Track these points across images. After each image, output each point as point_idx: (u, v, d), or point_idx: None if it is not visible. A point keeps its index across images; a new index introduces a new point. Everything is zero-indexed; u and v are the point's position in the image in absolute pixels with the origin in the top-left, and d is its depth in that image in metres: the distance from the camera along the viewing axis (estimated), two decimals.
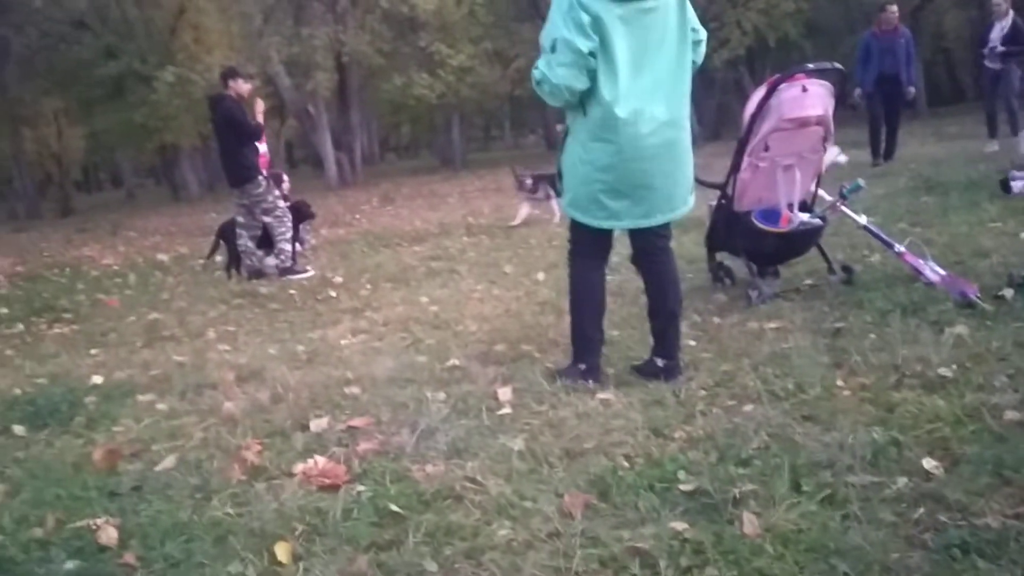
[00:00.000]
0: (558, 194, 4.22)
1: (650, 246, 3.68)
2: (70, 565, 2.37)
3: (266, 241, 8.32)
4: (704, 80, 28.26)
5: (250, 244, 8.26)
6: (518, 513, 2.43)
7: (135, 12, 24.44)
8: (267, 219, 8.14)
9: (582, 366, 3.61)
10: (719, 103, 28.57)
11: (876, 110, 11.46)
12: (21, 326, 6.84)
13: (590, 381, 3.54)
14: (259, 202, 8.11)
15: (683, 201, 3.62)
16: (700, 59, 3.67)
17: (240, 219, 8.27)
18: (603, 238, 3.68)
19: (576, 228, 3.68)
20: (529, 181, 10.06)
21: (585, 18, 3.25)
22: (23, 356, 5.64)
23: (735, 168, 4.86)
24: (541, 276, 6.29)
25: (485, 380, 3.74)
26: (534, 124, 44.03)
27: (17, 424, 3.84)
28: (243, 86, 8.13)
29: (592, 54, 3.28)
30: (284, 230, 8.11)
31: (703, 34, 3.64)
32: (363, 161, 26.67)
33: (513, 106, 40.86)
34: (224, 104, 8.03)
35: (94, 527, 2.57)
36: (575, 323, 3.71)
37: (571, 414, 3.19)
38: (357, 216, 13.56)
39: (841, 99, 4.96)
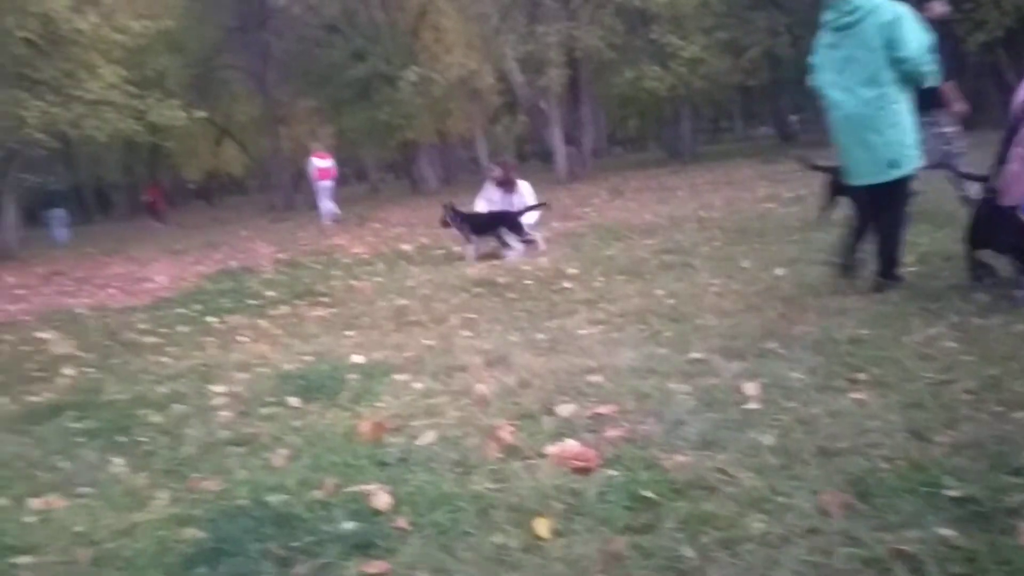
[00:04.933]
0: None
1: None
2: (349, 525, 2.60)
3: None
4: (956, 65, 26.32)
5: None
6: (772, 507, 2.42)
7: (381, 16, 25.93)
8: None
9: None
10: (972, 88, 26.50)
11: None
12: (286, 308, 7.47)
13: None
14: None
15: None
16: None
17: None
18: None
19: None
20: (448, 217, 9.78)
21: None
22: (290, 335, 6.16)
23: (1002, 160, 4.53)
24: (780, 271, 6.13)
25: (729, 374, 3.71)
26: (765, 115, 42.66)
27: (291, 396, 4.23)
28: (937, 9, 7.46)
29: None
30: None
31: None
32: (592, 155, 26.93)
33: (744, 97, 39.73)
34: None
35: (368, 492, 2.80)
36: None
37: (823, 412, 3.11)
38: (587, 209, 13.71)
39: None
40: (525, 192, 9.94)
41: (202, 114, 18.53)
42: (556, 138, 23.62)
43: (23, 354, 6.43)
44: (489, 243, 9.49)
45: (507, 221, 9.36)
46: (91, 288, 10.92)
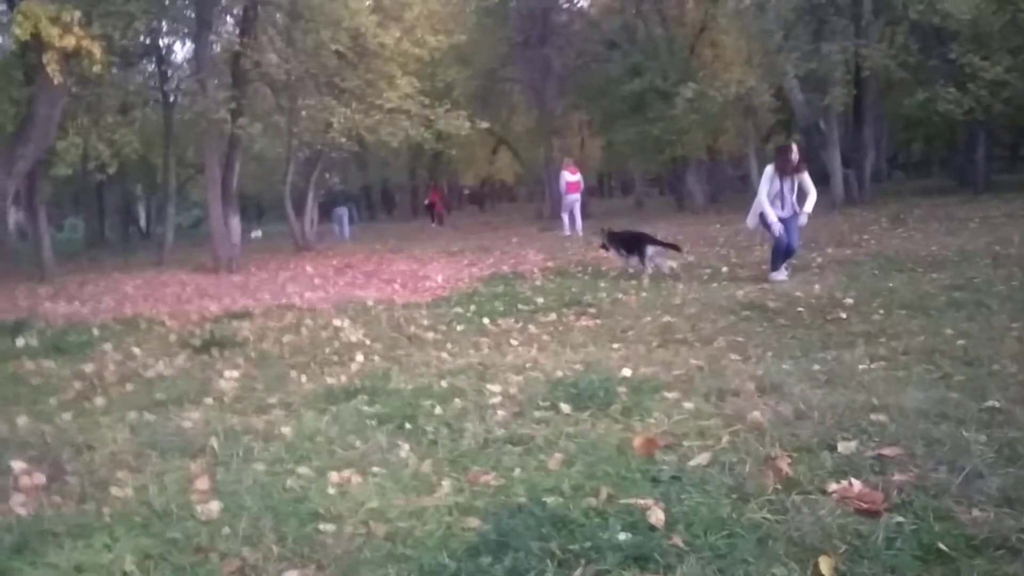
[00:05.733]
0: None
1: None
2: (624, 536, 2.66)
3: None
4: None
5: None
6: None
7: (660, 32, 26.02)
8: None
9: None
10: None
11: None
12: (554, 315, 7.70)
13: None
14: None
15: None
16: None
17: None
18: None
19: None
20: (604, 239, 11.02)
21: None
22: (559, 343, 6.35)
23: None
24: None
25: None
26: None
27: (563, 403, 4.37)
28: None
29: None
30: None
31: None
32: (871, 179, 25.48)
33: None
34: None
35: (643, 506, 2.85)
36: None
37: None
38: (865, 236, 13.05)
39: None
40: (804, 183, 9.40)
41: (484, 124, 19.47)
42: (834, 160, 22.60)
43: (322, 339, 7.09)
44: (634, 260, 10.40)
45: (641, 244, 10.28)
46: (378, 282, 11.84)
